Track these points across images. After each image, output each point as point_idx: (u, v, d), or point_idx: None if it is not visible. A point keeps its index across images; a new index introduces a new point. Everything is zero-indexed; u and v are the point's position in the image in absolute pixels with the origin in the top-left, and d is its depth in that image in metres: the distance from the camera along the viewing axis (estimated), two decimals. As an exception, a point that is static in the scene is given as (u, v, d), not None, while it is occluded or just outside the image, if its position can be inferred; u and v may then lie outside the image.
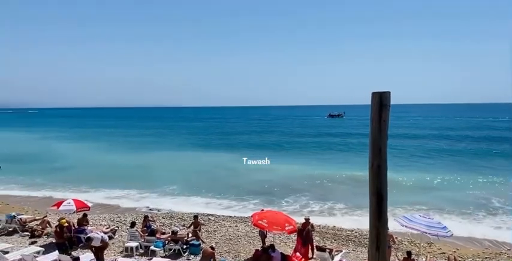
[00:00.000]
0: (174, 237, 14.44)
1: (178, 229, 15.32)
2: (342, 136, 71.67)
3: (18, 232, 16.84)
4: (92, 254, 12.71)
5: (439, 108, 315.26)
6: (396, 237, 15.54)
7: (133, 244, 14.55)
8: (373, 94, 4.81)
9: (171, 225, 18.28)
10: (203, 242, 15.37)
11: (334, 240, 16.99)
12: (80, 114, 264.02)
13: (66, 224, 14.44)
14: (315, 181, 30.57)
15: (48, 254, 13.26)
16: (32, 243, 15.54)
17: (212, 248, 13.01)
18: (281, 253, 12.68)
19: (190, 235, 15.14)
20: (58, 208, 15.38)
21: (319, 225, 18.68)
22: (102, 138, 72.21)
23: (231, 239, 16.63)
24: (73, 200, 15.88)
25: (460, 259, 14.46)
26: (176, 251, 14.28)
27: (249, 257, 14.23)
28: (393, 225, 11.55)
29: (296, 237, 14.15)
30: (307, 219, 13.90)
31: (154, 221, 17.17)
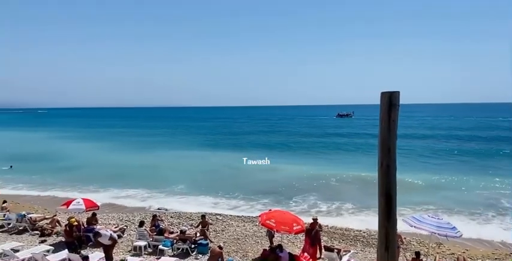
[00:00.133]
0: (182, 237, 14.52)
1: (186, 228, 15.40)
2: (350, 136, 71.38)
3: (28, 231, 17.06)
4: (101, 253, 12.84)
5: (447, 107, 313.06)
6: (405, 238, 15.48)
7: (142, 243, 14.67)
8: (383, 94, 4.79)
9: (179, 224, 18.38)
10: (211, 241, 15.42)
11: (342, 240, 16.95)
12: (86, 114, 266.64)
13: (76, 223, 14.55)
14: (323, 181, 30.51)
15: (58, 253, 13.41)
16: (42, 242, 15.72)
17: (220, 247, 13.05)
18: (289, 253, 12.68)
19: (198, 234, 15.20)
20: (67, 207, 15.54)
21: (327, 226, 18.65)
22: (109, 138, 72.77)
23: (238, 238, 16.67)
24: (82, 199, 16.04)
25: (470, 260, 14.37)
26: (184, 250, 14.35)
27: (256, 256, 14.27)
28: (401, 225, 11.50)
29: (304, 237, 14.15)
30: (315, 220, 13.90)
31: (162, 220, 17.28)
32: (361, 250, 15.63)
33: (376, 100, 4.91)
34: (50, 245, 14.92)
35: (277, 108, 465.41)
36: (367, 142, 59.05)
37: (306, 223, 14.00)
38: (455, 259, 13.59)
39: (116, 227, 16.37)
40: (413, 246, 15.92)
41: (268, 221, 12.69)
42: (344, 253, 13.80)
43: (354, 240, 17.02)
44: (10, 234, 16.85)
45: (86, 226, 15.86)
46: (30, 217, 17.57)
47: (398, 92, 4.77)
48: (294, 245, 15.88)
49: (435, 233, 11.56)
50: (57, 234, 16.60)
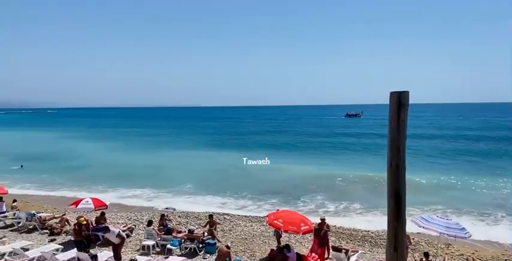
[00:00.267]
0: (190, 236, 14.57)
1: (194, 228, 15.44)
2: (358, 136, 71.03)
3: (38, 230, 17.22)
4: (110, 252, 12.93)
5: (456, 107, 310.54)
6: (413, 238, 15.42)
7: (150, 242, 14.74)
8: (392, 93, 4.78)
9: (187, 224, 18.45)
10: (219, 241, 15.44)
11: (350, 240, 16.91)
12: (93, 114, 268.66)
13: (85, 222, 14.63)
14: (330, 181, 30.44)
15: (67, 252, 13.50)
16: (51, 240, 15.84)
17: (228, 247, 13.06)
18: (296, 253, 12.67)
19: (206, 234, 15.24)
20: (76, 206, 15.63)
21: (335, 226, 18.62)
22: (115, 138, 73.37)
23: (246, 238, 16.68)
24: (91, 198, 16.12)
25: (479, 261, 14.27)
26: (192, 250, 14.41)
27: (264, 256, 14.27)
28: (410, 226, 11.44)
29: (311, 237, 14.13)
30: (323, 220, 13.85)
31: (170, 219, 17.35)
32: (369, 250, 15.58)
33: (385, 100, 4.90)
34: (59, 244, 15.05)
35: (285, 107, 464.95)
36: (374, 142, 58.77)
37: (313, 223, 13.98)
38: (465, 260, 13.51)
39: (124, 226, 16.47)
40: (421, 247, 15.83)
41: (275, 221, 12.68)
42: (352, 253, 13.76)
43: (362, 240, 16.97)
44: (20, 233, 17.02)
45: (94, 225, 15.98)
46: (40, 216, 17.74)
47: (408, 92, 4.76)
48: (302, 245, 15.86)
49: (444, 234, 11.49)
50: (66, 233, 16.72)
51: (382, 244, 16.08)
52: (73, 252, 13.20)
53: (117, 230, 12.60)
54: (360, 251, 14.54)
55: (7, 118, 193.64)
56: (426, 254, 12.06)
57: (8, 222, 18.23)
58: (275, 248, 14.00)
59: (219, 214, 20.71)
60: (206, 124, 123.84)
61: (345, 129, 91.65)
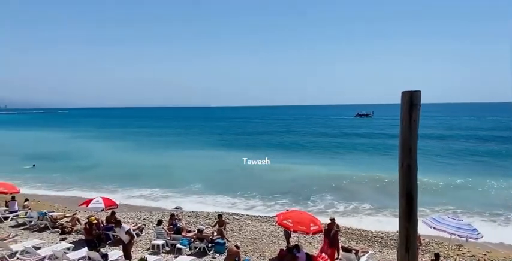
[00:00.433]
0: (200, 236, 14.61)
1: (203, 228, 15.48)
2: (368, 136, 70.41)
3: (49, 229, 17.40)
4: (120, 251, 13.02)
5: (456, 107, 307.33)
6: (423, 239, 15.27)
7: (160, 242, 14.82)
8: (403, 93, 4.74)
9: (197, 223, 18.50)
10: (228, 240, 15.46)
11: (360, 241, 16.82)
12: (103, 114, 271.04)
13: (95, 222, 14.77)
14: (340, 181, 30.29)
15: (78, 251, 13.64)
16: (62, 239, 16.02)
17: (237, 247, 13.06)
18: (306, 253, 12.64)
19: (215, 234, 15.26)
20: (87, 205, 15.78)
21: (344, 226, 18.53)
22: (124, 138, 73.86)
23: (255, 238, 16.69)
24: (101, 198, 16.26)
25: (491, 262, 14.11)
26: (201, 250, 14.45)
27: (273, 256, 14.25)
28: (420, 226, 11.33)
29: (322, 237, 14.08)
30: (332, 220, 13.81)
31: (180, 219, 17.40)
32: (379, 251, 15.48)
33: (397, 100, 4.87)
34: (70, 242, 15.21)
35: (295, 107, 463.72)
36: (384, 142, 58.38)
37: (323, 224, 13.93)
38: (476, 261, 13.37)
39: (134, 226, 16.57)
40: (432, 248, 15.69)
41: (285, 221, 12.67)
42: (362, 254, 13.69)
43: (372, 241, 16.86)
44: (32, 232, 17.23)
45: (105, 224, 16.10)
46: (51, 215, 17.93)
47: (420, 91, 4.72)
48: (311, 245, 15.82)
49: (455, 235, 11.37)
50: (77, 232, 16.88)
51: (392, 245, 15.97)
52: (84, 251, 13.34)
53: (127, 227, 12.75)
54: (370, 252, 14.45)
55: (19, 119, 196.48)
56: (437, 255, 11.93)
57: (20, 221, 18.47)
58: (284, 248, 13.98)
59: (228, 213, 20.76)
60: (215, 124, 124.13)
61: (355, 129, 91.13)
